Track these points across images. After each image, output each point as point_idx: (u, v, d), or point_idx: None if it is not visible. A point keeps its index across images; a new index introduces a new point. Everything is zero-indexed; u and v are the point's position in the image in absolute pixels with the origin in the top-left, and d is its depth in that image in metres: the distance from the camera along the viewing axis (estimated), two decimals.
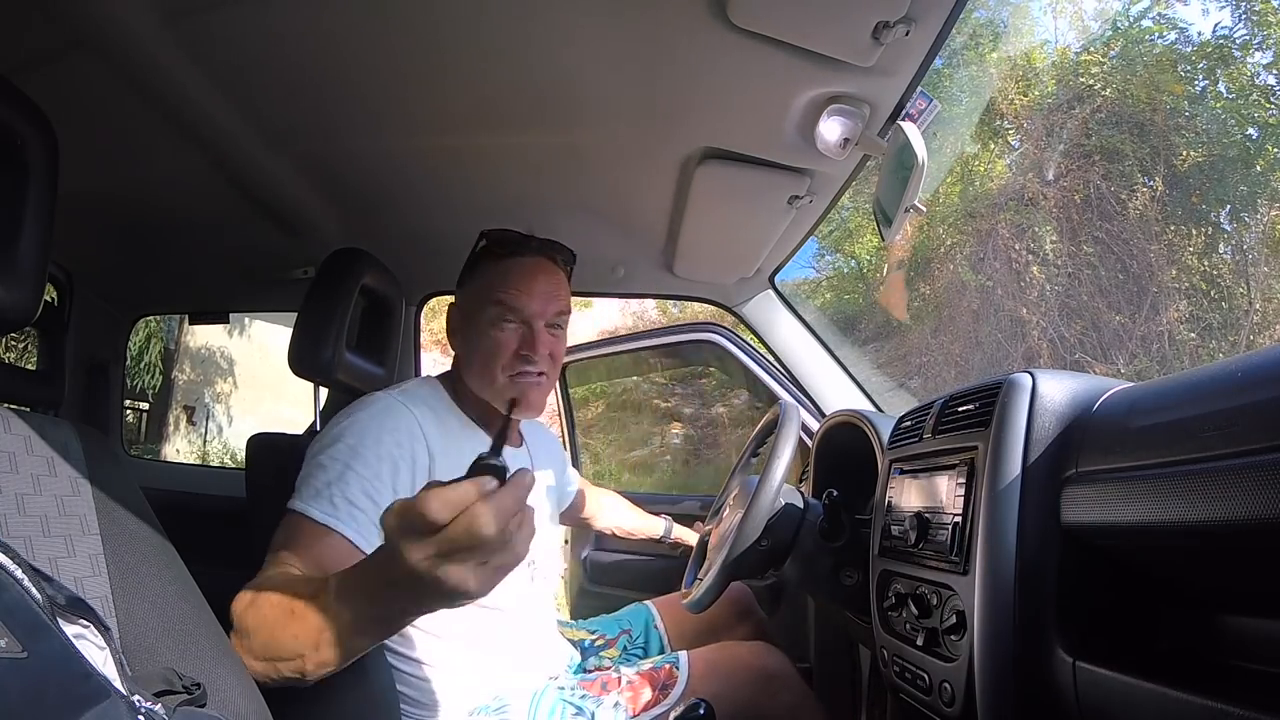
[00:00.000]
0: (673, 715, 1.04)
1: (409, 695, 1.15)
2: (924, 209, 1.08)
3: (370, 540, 0.98)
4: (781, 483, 1.18)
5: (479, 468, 0.60)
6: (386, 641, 1.13)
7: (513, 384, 1.16)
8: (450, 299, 1.31)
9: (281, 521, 0.99)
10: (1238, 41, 7.19)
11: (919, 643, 0.92)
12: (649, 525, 1.76)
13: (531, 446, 1.35)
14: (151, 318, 6.67)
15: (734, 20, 0.91)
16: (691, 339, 2.10)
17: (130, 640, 0.78)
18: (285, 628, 0.78)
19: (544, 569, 1.30)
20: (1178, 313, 7.11)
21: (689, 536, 1.77)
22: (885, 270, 9.15)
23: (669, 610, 1.48)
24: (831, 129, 1.09)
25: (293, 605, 0.78)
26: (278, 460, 1.20)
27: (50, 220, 0.79)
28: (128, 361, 2.36)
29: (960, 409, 0.96)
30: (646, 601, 1.52)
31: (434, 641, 1.12)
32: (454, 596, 0.60)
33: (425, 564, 0.59)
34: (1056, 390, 0.82)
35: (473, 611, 1.10)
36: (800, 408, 1.40)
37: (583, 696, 1.13)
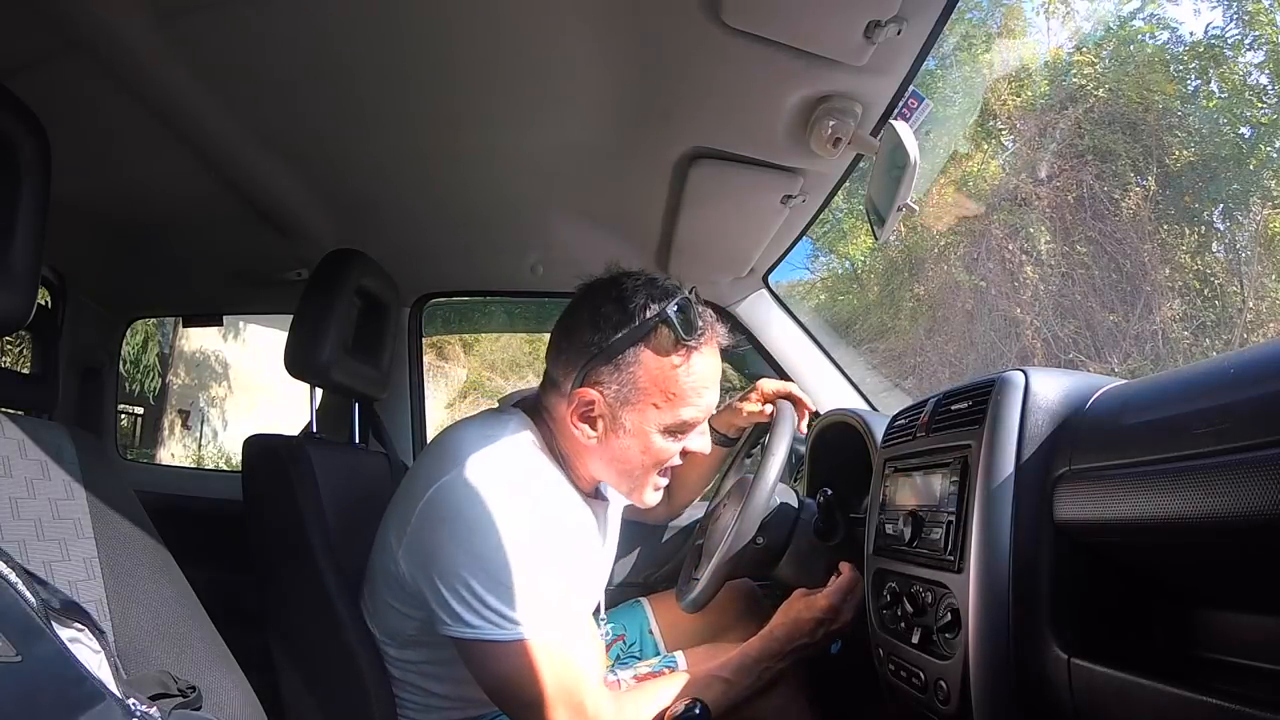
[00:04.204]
0: (669, 715, 1.03)
1: (405, 699, 1.14)
2: (916, 208, 1.08)
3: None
4: (776, 481, 1.18)
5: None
6: (383, 646, 1.13)
7: (653, 483, 1.16)
8: (446, 299, 1.29)
9: (527, 654, 0.98)
10: (1229, 41, 7.23)
11: (914, 641, 0.92)
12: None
13: (613, 499, 1.22)
14: (148, 320, 6.64)
15: (726, 20, 0.91)
16: None
17: (125, 644, 0.78)
18: None
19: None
20: (1171, 311, 7.14)
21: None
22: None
23: (665, 609, 1.46)
24: (824, 128, 1.09)
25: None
26: (275, 462, 1.20)
27: (43, 223, 0.79)
28: (125, 366, 2.34)
29: (953, 407, 0.96)
30: (642, 599, 1.51)
31: (432, 647, 1.11)
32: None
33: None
34: (1049, 388, 0.82)
35: None
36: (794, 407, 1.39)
37: None
